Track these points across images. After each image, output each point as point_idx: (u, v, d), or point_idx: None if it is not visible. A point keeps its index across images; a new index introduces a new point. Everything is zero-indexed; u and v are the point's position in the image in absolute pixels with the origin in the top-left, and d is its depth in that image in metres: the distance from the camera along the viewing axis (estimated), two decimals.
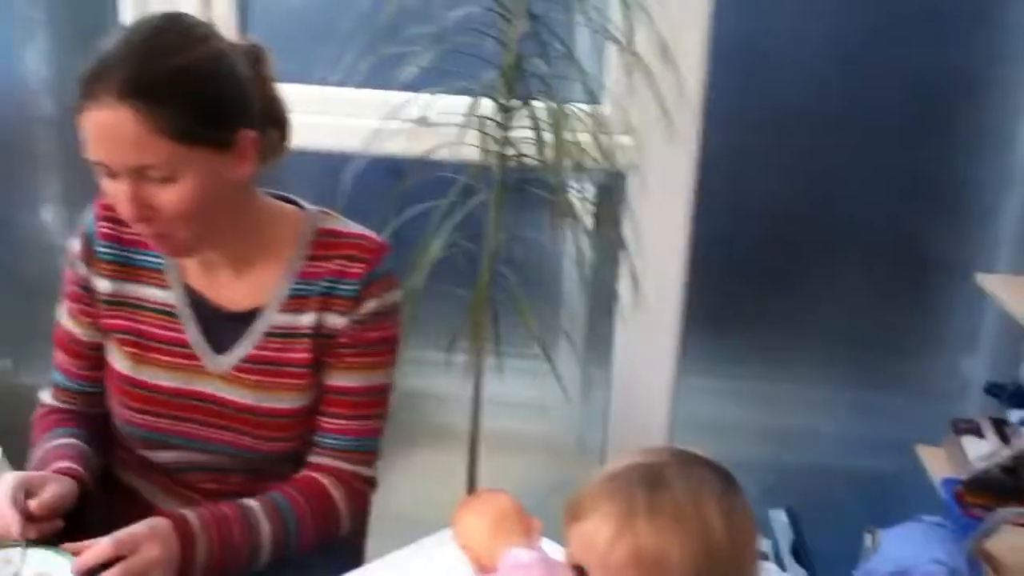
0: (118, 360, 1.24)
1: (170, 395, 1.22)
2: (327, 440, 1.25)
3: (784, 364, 2.23)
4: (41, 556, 1.06)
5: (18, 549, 1.07)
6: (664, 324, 1.93)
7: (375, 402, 1.26)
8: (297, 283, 1.21)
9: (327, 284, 1.20)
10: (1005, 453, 1.75)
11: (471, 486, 1.85)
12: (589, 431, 2.25)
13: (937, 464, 1.95)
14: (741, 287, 2.18)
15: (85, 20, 2.07)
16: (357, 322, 1.21)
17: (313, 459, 1.26)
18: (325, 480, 1.23)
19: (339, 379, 1.23)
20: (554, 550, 1.09)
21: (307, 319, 1.21)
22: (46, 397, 1.32)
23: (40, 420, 1.30)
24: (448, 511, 1.23)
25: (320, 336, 1.21)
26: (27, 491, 1.08)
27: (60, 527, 1.09)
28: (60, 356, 1.29)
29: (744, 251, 2.13)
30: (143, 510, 1.25)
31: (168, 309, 1.23)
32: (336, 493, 1.23)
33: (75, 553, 1.04)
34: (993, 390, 1.95)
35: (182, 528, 1.09)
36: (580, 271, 1.75)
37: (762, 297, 2.18)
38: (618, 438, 2.07)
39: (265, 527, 1.16)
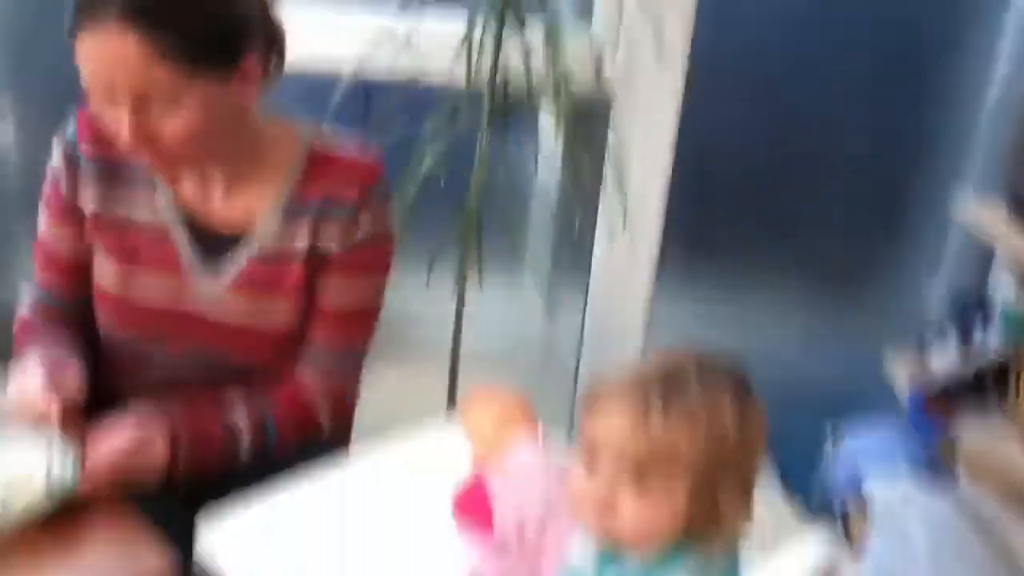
0: (105, 278, 1.23)
1: (159, 314, 1.22)
2: (315, 355, 1.26)
3: (754, 288, 2.28)
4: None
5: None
6: (643, 246, 1.96)
7: (365, 320, 1.28)
8: (290, 204, 1.20)
9: (321, 205, 1.19)
10: (969, 363, 1.84)
11: (451, 403, 1.88)
12: (555, 349, 2.29)
13: (902, 374, 2.04)
14: (715, 212, 2.21)
15: None
16: (352, 244, 1.21)
17: (298, 372, 1.27)
18: (308, 392, 1.25)
19: (331, 298, 1.24)
20: (555, 448, 1.12)
21: (301, 241, 1.20)
22: (25, 312, 1.29)
23: (25, 330, 1.27)
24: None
25: (314, 257, 1.21)
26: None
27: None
28: (43, 274, 1.27)
29: (719, 176, 2.16)
30: None
31: (159, 227, 1.21)
32: (319, 401, 1.25)
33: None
34: (958, 304, 2.02)
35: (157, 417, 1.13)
36: (563, 191, 1.76)
37: (735, 223, 2.22)
38: (591, 357, 2.12)
39: (240, 409, 1.19)
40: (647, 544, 0.83)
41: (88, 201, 1.21)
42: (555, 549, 0.97)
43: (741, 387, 0.85)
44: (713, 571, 0.84)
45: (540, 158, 1.81)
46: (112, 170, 1.21)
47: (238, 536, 1.00)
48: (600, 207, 1.87)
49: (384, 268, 1.27)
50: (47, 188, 1.24)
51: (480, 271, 1.78)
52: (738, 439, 0.82)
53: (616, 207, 1.77)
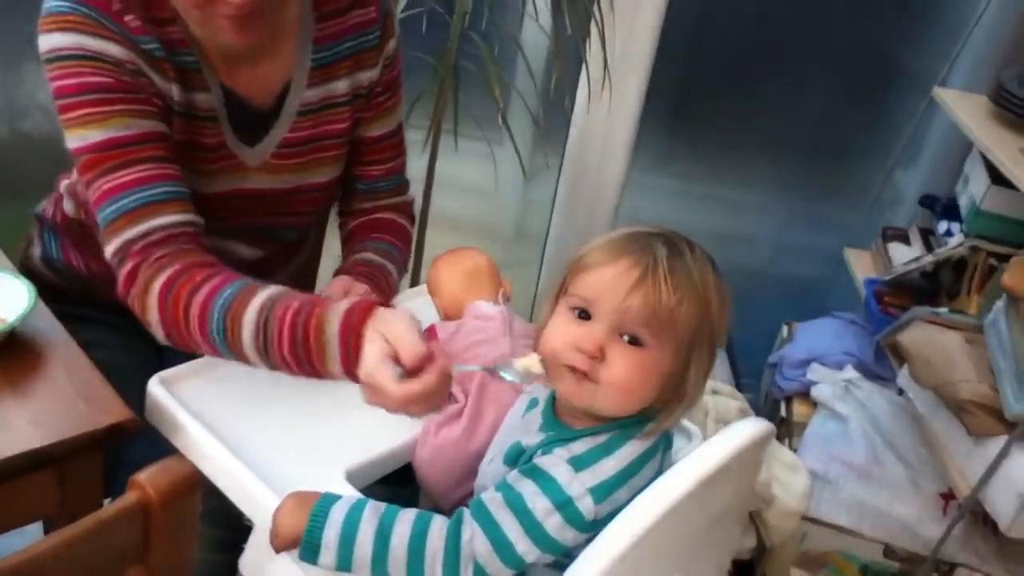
0: None
1: (214, 200, 1.13)
2: (379, 185, 1.26)
3: (730, 168, 2.27)
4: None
5: None
6: (623, 115, 1.93)
7: (403, 136, 1.28)
8: (317, 51, 1.13)
9: (352, 43, 1.15)
10: (928, 259, 1.84)
11: (417, 263, 1.87)
12: (527, 218, 2.28)
13: (862, 267, 2.06)
14: (697, 88, 2.17)
15: None
16: (386, 65, 1.18)
17: (368, 204, 1.27)
18: (394, 216, 1.27)
19: (379, 127, 1.22)
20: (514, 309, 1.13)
21: (342, 85, 1.16)
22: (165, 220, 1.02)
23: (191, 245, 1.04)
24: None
25: (357, 98, 1.18)
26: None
27: None
28: (158, 169, 1.03)
29: (704, 53, 2.11)
30: None
31: (211, 114, 1.10)
32: (406, 223, 1.29)
33: None
34: (926, 201, 2.02)
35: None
36: (550, 48, 1.69)
37: (717, 100, 2.19)
38: (562, 225, 2.11)
39: (393, 271, 1.21)
40: (626, 400, 0.84)
41: (170, 87, 1.05)
42: (494, 408, 0.99)
43: (716, 266, 0.87)
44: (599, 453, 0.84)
45: (526, 16, 1.73)
46: (171, 52, 1.05)
47: (191, 396, 1.00)
48: (584, 67, 1.81)
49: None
50: (91, 78, 1.00)
51: (455, 125, 1.73)
52: (717, 314, 0.84)
53: (599, 69, 1.71)
